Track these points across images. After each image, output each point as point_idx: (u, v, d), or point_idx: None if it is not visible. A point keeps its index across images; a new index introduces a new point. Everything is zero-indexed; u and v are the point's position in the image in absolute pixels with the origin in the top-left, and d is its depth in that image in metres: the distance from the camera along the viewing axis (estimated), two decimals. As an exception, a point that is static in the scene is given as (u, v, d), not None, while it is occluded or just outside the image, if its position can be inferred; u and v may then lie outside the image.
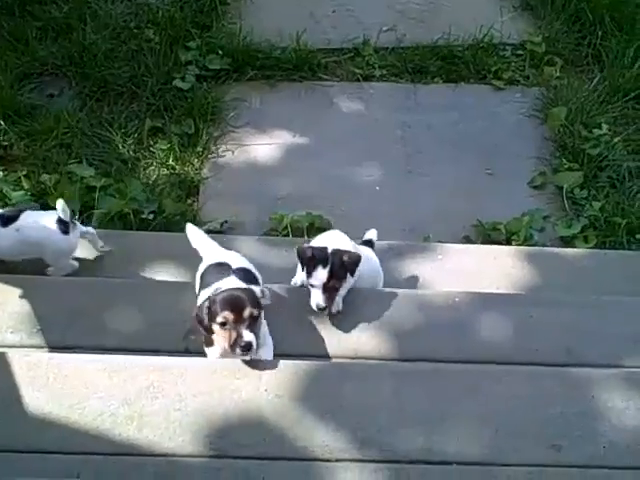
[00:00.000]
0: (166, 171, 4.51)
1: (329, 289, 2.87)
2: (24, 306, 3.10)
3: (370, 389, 2.55)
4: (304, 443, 2.37)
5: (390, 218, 4.31)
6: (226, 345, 2.53)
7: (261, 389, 2.50)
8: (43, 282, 3.27)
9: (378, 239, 3.70)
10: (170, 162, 4.53)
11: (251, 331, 2.50)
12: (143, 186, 4.33)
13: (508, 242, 4.13)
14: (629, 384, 2.57)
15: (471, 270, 3.73)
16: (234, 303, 2.53)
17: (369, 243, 3.54)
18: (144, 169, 4.52)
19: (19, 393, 2.47)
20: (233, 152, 4.64)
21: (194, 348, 2.82)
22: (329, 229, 4.12)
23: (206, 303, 2.56)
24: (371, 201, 4.43)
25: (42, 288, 3.21)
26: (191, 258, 3.54)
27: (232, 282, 2.72)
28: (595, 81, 4.88)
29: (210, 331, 2.57)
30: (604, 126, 4.61)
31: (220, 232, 4.12)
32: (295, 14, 5.28)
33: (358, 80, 5.01)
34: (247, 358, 2.61)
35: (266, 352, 2.73)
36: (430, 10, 5.38)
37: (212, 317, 2.52)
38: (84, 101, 4.81)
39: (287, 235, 4.12)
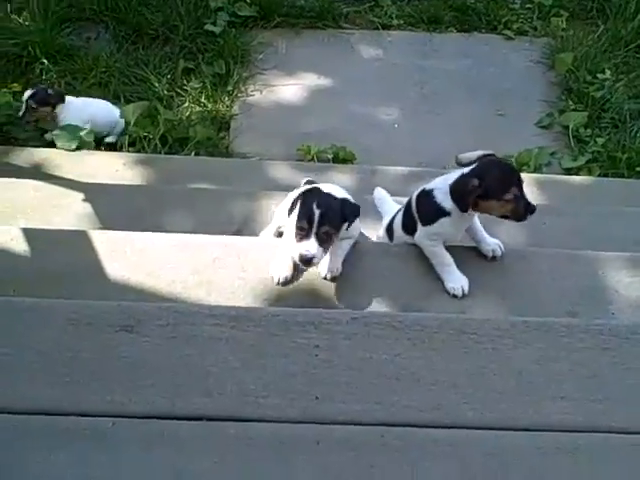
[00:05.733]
0: (199, 108, 4.82)
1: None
2: (86, 208, 3.43)
3: (405, 265, 2.86)
4: (353, 308, 2.66)
5: (408, 152, 4.64)
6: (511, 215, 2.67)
7: (315, 266, 2.82)
8: (102, 187, 3.59)
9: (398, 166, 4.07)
10: (202, 100, 4.84)
11: None
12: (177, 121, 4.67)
13: (519, 172, 4.46)
14: (633, 264, 2.89)
15: (487, 194, 4.07)
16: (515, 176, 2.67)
17: None
18: (178, 106, 4.84)
19: (101, 264, 2.77)
20: (261, 92, 4.98)
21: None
22: (353, 160, 4.50)
23: (474, 182, 2.60)
24: (390, 137, 4.75)
25: (102, 192, 3.53)
26: (226, 179, 3.94)
27: None
28: (599, 32, 5.23)
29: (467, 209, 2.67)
30: (607, 71, 4.95)
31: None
32: (318, -34, 5.58)
33: (377, 29, 5.36)
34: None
35: None
36: (445, -36, 5.70)
37: (492, 193, 2.61)
38: (120, 44, 5.13)
39: (314, 164, 4.45)
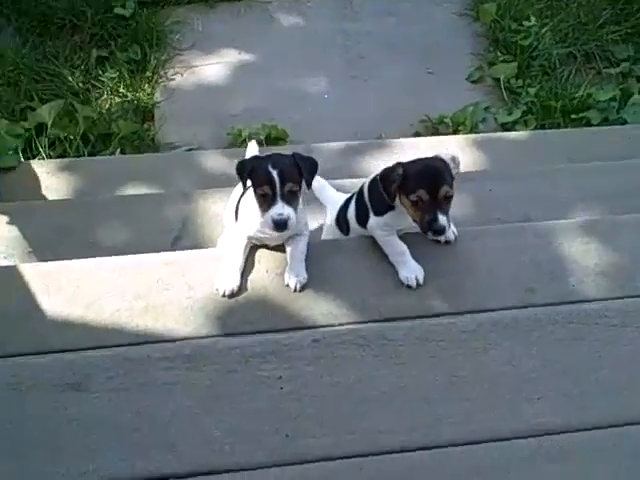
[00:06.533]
0: (118, 99, 4.58)
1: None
2: (12, 231, 3.21)
3: (358, 261, 2.76)
4: (308, 312, 2.57)
5: (342, 123, 4.50)
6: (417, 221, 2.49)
7: (262, 270, 2.69)
8: (28, 206, 3.37)
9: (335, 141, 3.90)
10: (121, 90, 4.59)
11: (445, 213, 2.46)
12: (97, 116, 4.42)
13: (455, 133, 4.38)
14: (586, 230, 2.85)
15: (426, 160, 3.97)
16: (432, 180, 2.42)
17: None
18: (96, 99, 4.57)
19: (36, 300, 2.59)
20: (182, 74, 4.75)
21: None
22: (286, 138, 4.34)
23: (399, 170, 2.47)
24: (321, 108, 4.61)
25: (27, 212, 3.31)
26: (157, 177, 3.75)
27: None
28: (520, -23, 5.12)
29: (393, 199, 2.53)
30: (532, 18, 4.86)
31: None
32: None
33: (294, -5, 5.15)
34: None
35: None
36: None
37: (404, 188, 2.46)
38: (26, 38, 4.83)
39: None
